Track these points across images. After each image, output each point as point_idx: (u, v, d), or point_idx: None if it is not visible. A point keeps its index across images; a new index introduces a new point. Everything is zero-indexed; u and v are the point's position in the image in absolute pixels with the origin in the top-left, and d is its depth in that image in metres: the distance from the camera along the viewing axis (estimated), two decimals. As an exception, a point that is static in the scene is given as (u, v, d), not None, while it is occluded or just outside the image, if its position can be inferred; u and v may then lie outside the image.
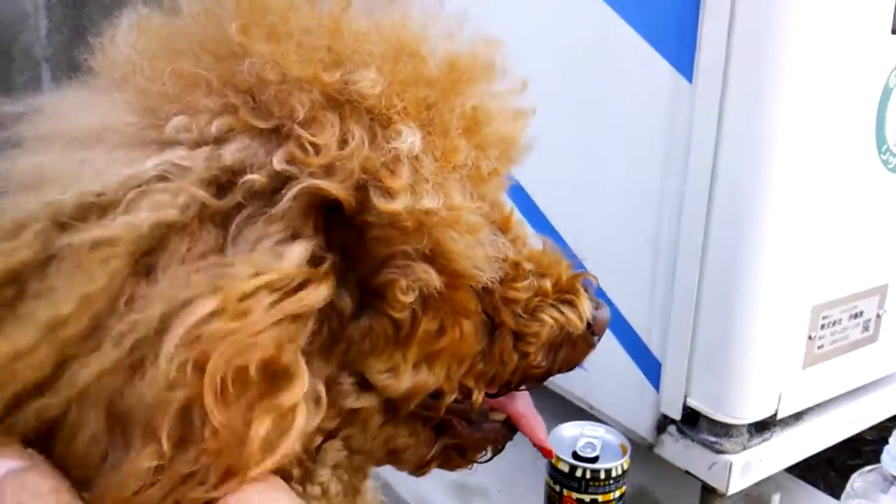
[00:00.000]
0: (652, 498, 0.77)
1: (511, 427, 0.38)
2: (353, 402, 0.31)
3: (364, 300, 0.30)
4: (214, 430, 0.24)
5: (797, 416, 0.72)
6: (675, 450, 0.70)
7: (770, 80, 0.60)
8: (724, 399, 0.67)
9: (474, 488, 0.79)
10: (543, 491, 0.67)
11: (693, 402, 0.69)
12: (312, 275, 0.27)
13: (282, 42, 0.28)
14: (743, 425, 0.67)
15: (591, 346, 0.36)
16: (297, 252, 0.26)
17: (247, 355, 0.24)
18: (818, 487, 0.84)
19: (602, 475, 0.64)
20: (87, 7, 0.97)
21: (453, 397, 0.33)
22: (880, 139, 0.68)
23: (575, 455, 0.65)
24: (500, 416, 0.37)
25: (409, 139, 0.28)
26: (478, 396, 0.34)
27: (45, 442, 0.24)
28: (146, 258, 0.25)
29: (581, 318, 0.35)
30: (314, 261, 0.27)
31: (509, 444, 0.38)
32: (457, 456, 0.36)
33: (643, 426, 0.73)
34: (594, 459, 0.64)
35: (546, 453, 0.40)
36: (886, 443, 0.51)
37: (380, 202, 0.27)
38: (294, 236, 0.26)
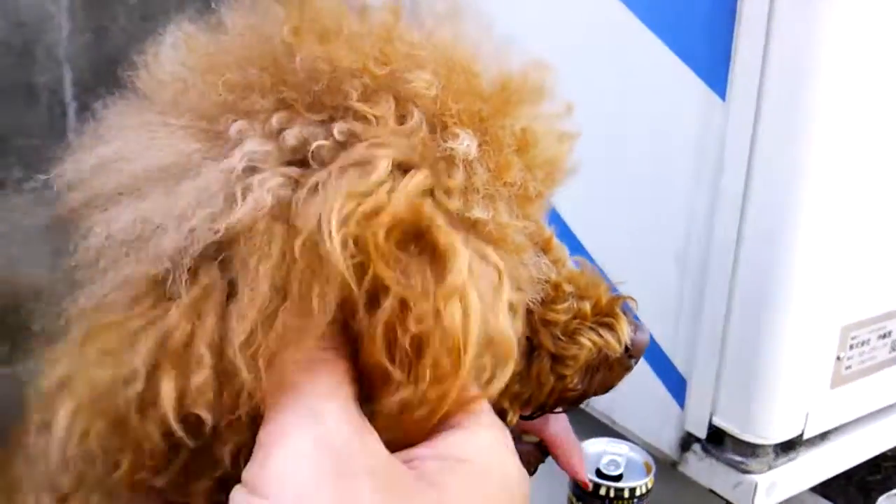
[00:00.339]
0: (674, 516, 0.77)
1: (543, 450, 0.38)
2: None
3: None
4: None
5: (823, 436, 0.71)
6: (700, 468, 0.70)
7: (806, 100, 0.59)
8: (751, 419, 0.66)
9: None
10: (568, 485, 0.67)
11: (719, 422, 0.68)
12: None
13: (332, 42, 0.28)
14: (769, 445, 0.67)
15: (628, 368, 0.36)
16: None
17: (397, 222, 0.25)
18: (837, 502, 0.84)
19: (626, 493, 0.63)
20: (110, 8, 0.97)
21: None
22: (915, 159, 0.67)
23: (598, 472, 0.64)
24: (534, 438, 0.37)
25: (466, 142, 0.28)
26: (512, 417, 0.34)
27: None
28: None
29: (619, 342, 0.35)
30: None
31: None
32: None
33: (667, 444, 0.72)
34: (618, 478, 0.64)
35: (582, 484, 0.40)
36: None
37: (441, 197, 0.27)
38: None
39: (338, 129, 0.27)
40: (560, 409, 0.36)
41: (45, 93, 0.96)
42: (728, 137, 0.63)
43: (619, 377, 0.36)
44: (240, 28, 0.30)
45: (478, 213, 0.27)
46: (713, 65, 0.64)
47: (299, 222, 0.25)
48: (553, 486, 0.39)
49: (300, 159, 0.27)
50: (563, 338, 0.34)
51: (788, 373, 0.65)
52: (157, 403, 0.24)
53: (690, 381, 0.70)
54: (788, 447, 0.68)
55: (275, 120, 0.27)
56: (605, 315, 0.35)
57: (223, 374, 0.24)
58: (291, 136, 0.27)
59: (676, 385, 0.71)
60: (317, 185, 0.26)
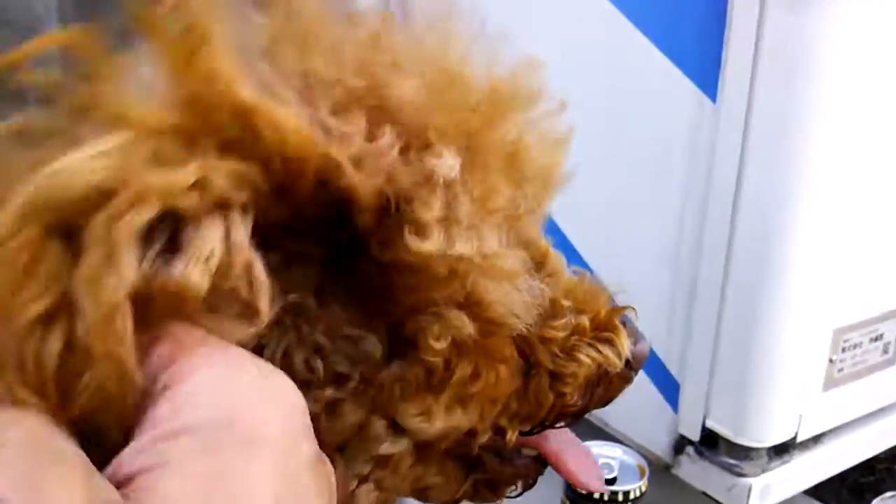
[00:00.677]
0: (668, 519, 0.76)
1: (543, 462, 0.37)
2: (386, 448, 0.30)
3: (394, 347, 0.28)
4: None
5: (816, 439, 0.71)
6: (693, 471, 0.70)
7: (796, 102, 0.59)
8: (745, 422, 0.66)
9: (486, 504, 0.79)
10: (562, 485, 0.66)
11: (712, 424, 0.68)
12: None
13: (310, 51, 0.26)
14: (763, 448, 0.67)
15: (629, 381, 0.35)
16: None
17: None
18: (830, 504, 0.84)
19: (620, 497, 0.63)
20: (100, 9, 0.96)
21: (486, 437, 0.32)
22: (905, 162, 0.68)
23: (593, 476, 0.64)
24: (532, 452, 0.37)
25: (450, 162, 0.26)
26: (511, 436, 0.33)
27: None
28: None
29: (620, 357, 0.33)
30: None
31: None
32: (486, 490, 0.35)
33: (660, 447, 0.72)
34: (612, 481, 0.64)
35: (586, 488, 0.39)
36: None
37: (410, 239, 0.25)
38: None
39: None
40: (561, 424, 0.35)
41: (33, 94, 0.95)
42: (719, 140, 0.63)
43: (619, 390, 0.35)
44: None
45: (461, 248, 0.26)
46: (704, 68, 0.64)
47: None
48: (546, 487, 0.39)
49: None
50: (561, 355, 0.32)
51: (781, 376, 0.65)
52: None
53: (684, 385, 0.70)
54: (782, 450, 0.68)
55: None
56: (605, 329, 0.34)
57: None
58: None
59: (670, 388, 0.71)
60: None
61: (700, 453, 0.69)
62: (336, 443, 0.29)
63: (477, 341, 0.28)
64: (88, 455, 0.18)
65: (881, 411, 0.76)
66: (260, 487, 0.18)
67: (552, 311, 0.33)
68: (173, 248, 0.21)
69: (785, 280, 0.63)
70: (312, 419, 0.26)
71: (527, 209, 0.29)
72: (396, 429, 0.30)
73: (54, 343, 0.19)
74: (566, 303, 0.33)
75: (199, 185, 0.22)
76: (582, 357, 0.33)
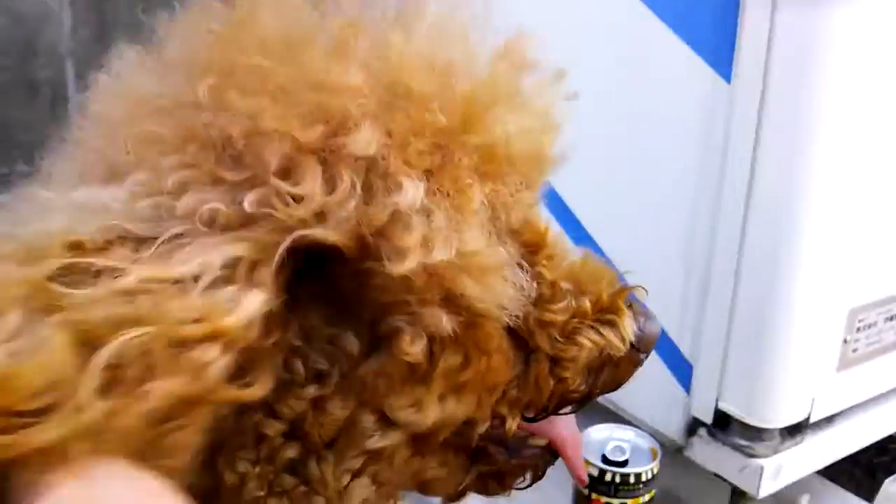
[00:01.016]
0: (680, 500, 0.77)
1: (553, 452, 0.36)
2: (376, 441, 0.29)
3: (373, 342, 0.28)
4: None
5: (829, 420, 0.71)
6: (706, 453, 0.70)
7: (811, 82, 0.59)
8: (757, 403, 0.66)
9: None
10: (571, 494, 0.67)
11: (725, 406, 0.68)
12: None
13: (255, 97, 0.25)
14: (775, 429, 0.67)
15: (638, 364, 0.35)
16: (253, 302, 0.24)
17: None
18: (843, 484, 0.84)
19: (632, 479, 0.64)
20: (111, 2, 0.97)
21: (486, 426, 0.32)
22: (922, 139, 0.66)
23: (604, 459, 0.65)
24: (541, 441, 0.36)
25: (410, 193, 0.25)
26: (512, 423, 0.32)
27: None
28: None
29: (623, 340, 0.33)
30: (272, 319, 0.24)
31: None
32: (494, 483, 0.35)
33: (673, 428, 0.72)
34: (624, 463, 0.64)
35: (579, 481, 0.39)
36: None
37: (390, 265, 0.25)
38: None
39: (248, 200, 0.24)
40: (566, 411, 0.35)
41: (47, 88, 0.96)
42: (733, 120, 0.62)
43: (629, 373, 0.34)
44: (174, 60, 0.28)
45: (438, 255, 0.26)
46: (718, 48, 0.63)
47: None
48: (559, 471, 0.39)
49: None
50: (560, 339, 0.32)
51: (795, 356, 0.65)
52: None
53: (696, 366, 0.70)
54: (795, 431, 0.68)
55: (171, 180, 0.25)
56: (607, 311, 0.33)
57: None
58: (182, 204, 0.24)
59: (682, 370, 0.71)
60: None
61: (712, 435, 0.69)
62: (325, 439, 0.29)
63: (462, 333, 0.28)
64: None
65: (894, 391, 0.76)
66: None
67: (551, 294, 0.32)
68: None
69: (800, 260, 0.62)
70: (299, 417, 0.26)
71: (516, 196, 0.29)
72: (387, 422, 0.29)
73: None
74: (566, 285, 0.33)
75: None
76: (582, 340, 0.32)
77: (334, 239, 0.25)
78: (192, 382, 0.22)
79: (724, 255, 0.66)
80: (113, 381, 0.22)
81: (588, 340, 0.32)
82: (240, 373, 0.24)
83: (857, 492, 0.83)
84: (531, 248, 0.32)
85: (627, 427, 0.68)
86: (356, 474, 0.30)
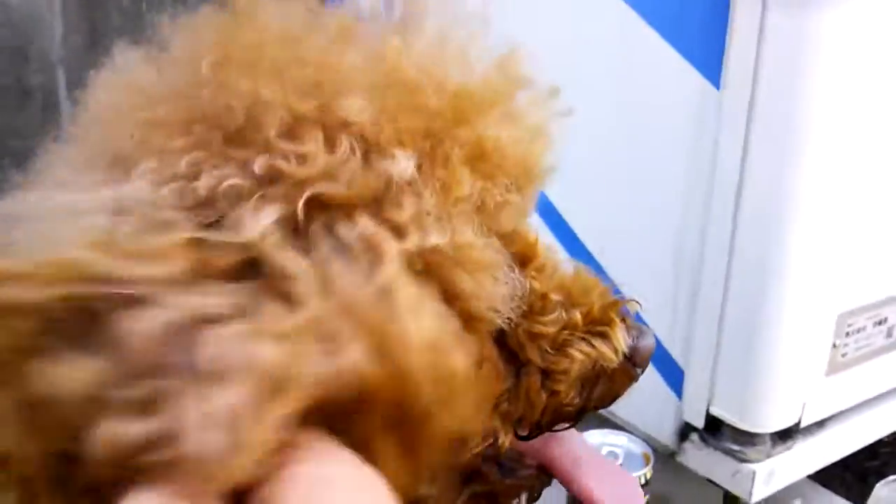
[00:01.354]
0: (673, 505, 0.77)
1: (547, 474, 0.35)
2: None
3: None
4: None
5: (820, 424, 0.71)
6: (698, 458, 0.70)
7: (800, 87, 0.59)
8: (749, 407, 0.67)
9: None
10: (565, 498, 0.67)
11: (716, 411, 0.68)
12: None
13: (256, 72, 0.26)
14: (767, 434, 0.67)
15: (633, 378, 0.34)
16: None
17: None
18: (834, 489, 0.84)
19: (625, 484, 0.64)
20: (103, 9, 0.97)
21: (477, 442, 0.31)
22: (908, 145, 0.67)
23: (598, 464, 0.65)
24: (535, 461, 0.35)
25: (402, 163, 0.26)
26: (504, 440, 0.31)
27: None
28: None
29: (616, 351, 0.32)
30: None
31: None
32: (486, 503, 0.34)
33: (665, 433, 0.72)
34: (617, 468, 0.64)
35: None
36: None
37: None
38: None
39: (257, 164, 0.24)
40: (563, 427, 0.34)
41: (39, 94, 0.96)
42: (723, 126, 0.63)
43: (625, 387, 0.33)
44: (175, 54, 0.28)
45: (434, 238, 0.25)
46: (708, 54, 0.64)
47: None
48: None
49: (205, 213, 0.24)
50: (551, 351, 0.31)
51: (785, 361, 0.65)
52: None
53: (687, 371, 0.70)
54: (786, 435, 0.68)
55: (184, 162, 0.25)
56: (599, 323, 0.32)
57: None
58: (202, 184, 0.24)
59: (674, 375, 0.71)
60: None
61: (704, 440, 0.70)
62: None
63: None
64: None
65: (884, 395, 0.76)
66: None
67: (541, 305, 0.32)
68: None
69: (789, 265, 0.63)
70: None
71: (504, 200, 0.29)
72: None
73: None
74: (556, 297, 0.32)
75: None
76: (573, 352, 0.32)
77: (347, 194, 0.25)
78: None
79: (713, 260, 0.66)
80: None
81: (579, 352, 0.32)
82: None
83: (849, 496, 0.83)
84: (521, 259, 0.32)
85: (620, 432, 0.68)
86: None
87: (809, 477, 0.75)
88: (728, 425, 0.68)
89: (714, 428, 0.69)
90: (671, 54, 0.66)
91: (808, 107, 0.60)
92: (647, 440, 0.69)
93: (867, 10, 0.59)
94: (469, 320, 0.27)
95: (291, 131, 0.25)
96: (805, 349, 0.66)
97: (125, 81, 0.29)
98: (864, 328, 0.71)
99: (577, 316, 0.32)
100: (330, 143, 0.25)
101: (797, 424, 0.68)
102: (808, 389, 0.67)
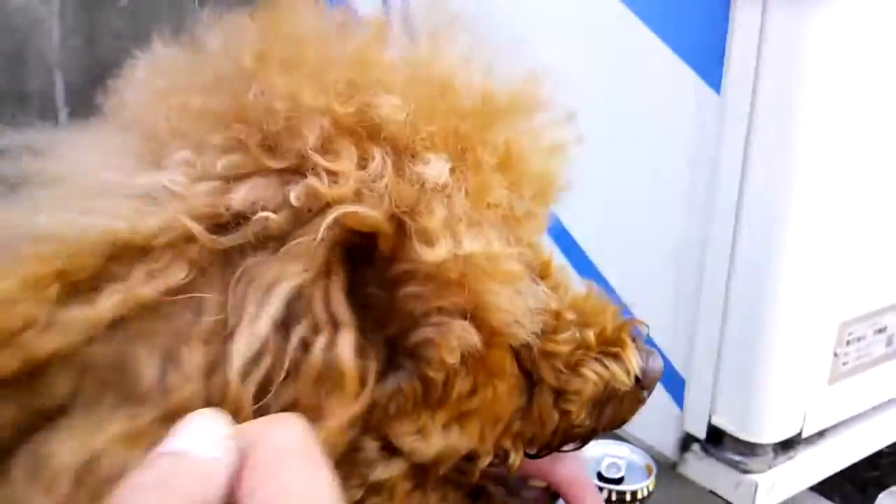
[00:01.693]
0: (675, 516, 0.76)
1: (553, 494, 0.35)
2: (379, 472, 0.28)
3: (392, 360, 0.27)
4: None
5: (821, 434, 0.71)
6: (700, 469, 0.69)
7: (800, 93, 0.59)
8: (750, 418, 0.66)
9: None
10: None
11: (718, 421, 0.68)
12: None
13: (296, 72, 0.26)
14: (768, 444, 0.67)
15: (641, 401, 0.34)
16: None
17: None
18: (835, 500, 0.84)
19: (628, 497, 0.63)
20: (100, 12, 0.96)
21: (488, 460, 0.31)
22: (909, 155, 0.67)
23: (599, 476, 0.64)
24: (541, 483, 0.35)
25: (437, 167, 0.26)
26: (515, 459, 0.31)
27: None
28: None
29: (628, 373, 0.32)
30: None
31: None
32: None
33: (667, 444, 0.72)
34: (619, 480, 0.64)
35: None
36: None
37: (420, 249, 0.25)
38: (319, 276, 0.24)
39: (295, 193, 0.24)
40: (570, 448, 0.33)
41: (36, 98, 0.95)
42: (723, 131, 0.63)
43: (632, 411, 0.33)
44: (213, 48, 0.28)
45: (468, 246, 0.25)
46: (708, 59, 0.64)
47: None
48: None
49: (230, 222, 0.24)
50: (565, 371, 0.31)
51: (786, 370, 0.65)
52: None
53: (689, 382, 0.70)
54: (787, 446, 0.68)
55: (221, 164, 0.25)
56: (612, 344, 0.32)
57: None
58: (238, 197, 0.24)
59: (675, 386, 0.71)
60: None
61: (706, 451, 0.69)
62: None
63: (478, 354, 0.27)
64: None
65: (885, 405, 0.76)
66: None
67: (555, 324, 0.31)
68: None
69: (790, 274, 0.63)
70: None
71: (525, 212, 0.29)
72: (390, 450, 0.28)
73: None
74: (570, 316, 0.32)
75: None
76: (587, 373, 0.31)
77: (373, 216, 0.25)
78: None
79: (714, 269, 0.66)
80: None
81: (593, 373, 0.32)
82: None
83: (849, 506, 0.83)
84: (537, 276, 0.32)
85: (622, 443, 0.67)
86: None
87: (811, 488, 0.75)
88: (730, 436, 0.67)
89: (716, 439, 0.69)
90: (671, 58, 0.66)
91: (808, 111, 0.59)
92: (649, 451, 0.68)
93: (869, 13, 0.59)
94: (493, 334, 0.27)
95: (326, 144, 0.25)
96: (806, 358, 0.66)
97: (163, 66, 0.29)
98: (864, 336, 0.70)
99: (591, 336, 0.32)
100: (363, 157, 0.26)
101: (799, 434, 0.68)
102: (809, 399, 0.67)
